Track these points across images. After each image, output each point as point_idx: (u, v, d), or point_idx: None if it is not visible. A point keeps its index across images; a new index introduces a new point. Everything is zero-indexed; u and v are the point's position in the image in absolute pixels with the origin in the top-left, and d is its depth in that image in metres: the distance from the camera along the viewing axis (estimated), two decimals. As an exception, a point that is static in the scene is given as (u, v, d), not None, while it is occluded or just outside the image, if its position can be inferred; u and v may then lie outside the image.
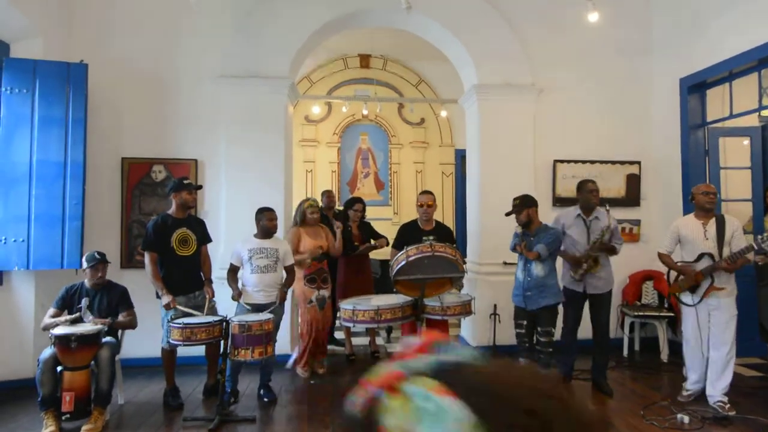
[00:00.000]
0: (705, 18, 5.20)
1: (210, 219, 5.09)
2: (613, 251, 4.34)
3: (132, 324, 4.08)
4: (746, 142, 5.59)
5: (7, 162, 4.55)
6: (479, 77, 5.71)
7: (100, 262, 3.94)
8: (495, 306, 5.39)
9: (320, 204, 5.46)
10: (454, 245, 4.26)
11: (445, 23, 5.67)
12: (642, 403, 4.08)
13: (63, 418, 3.47)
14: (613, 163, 5.87)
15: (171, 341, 3.80)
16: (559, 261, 4.36)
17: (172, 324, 3.75)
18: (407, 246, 3.96)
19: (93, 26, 5.29)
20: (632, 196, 5.90)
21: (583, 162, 5.83)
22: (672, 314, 5.24)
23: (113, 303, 3.99)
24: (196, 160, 5.38)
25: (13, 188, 4.54)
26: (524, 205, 3.93)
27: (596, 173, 5.61)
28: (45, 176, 4.61)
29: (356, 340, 5.73)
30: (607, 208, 4.30)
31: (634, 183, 5.91)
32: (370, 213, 6.22)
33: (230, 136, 5.39)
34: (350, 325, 4.09)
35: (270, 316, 3.92)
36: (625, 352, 5.52)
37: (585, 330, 4.52)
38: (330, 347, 5.45)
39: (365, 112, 8.54)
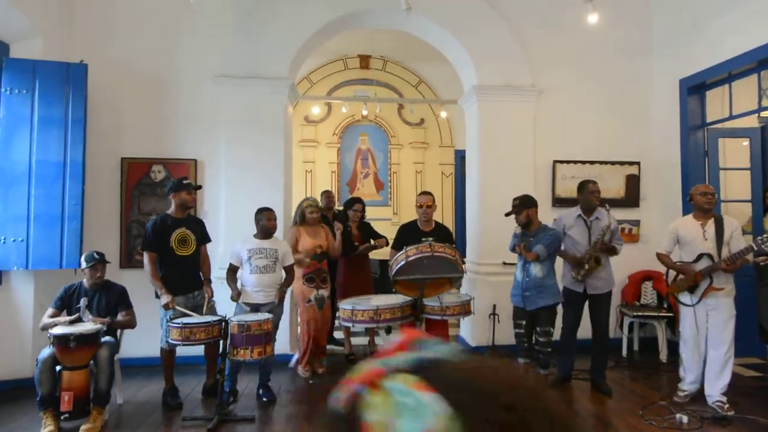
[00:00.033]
0: (705, 18, 5.21)
1: (209, 219, 5.09)
2: (613, 252, 4.35)
3: (131, 324, 4.08)
4: (746, 143, 5.60)
5: (7, 162, 4.55)
6: (479, 78, 5.71)
7: (99, 261, 3.93)
8: (494, 306, 5.39)
9: (320, 204, 5.46)
10: (453, 245, 4.26)
11: (445, 24, 5.68)
12: (641, 403, 4.08)
13: (62, 417, 3.47)
14: (613, 163, 5.87)
15: (170, 341, 3.80)
16: (559, 261, 4.37)
17: (171, 324, 3.75)
18: (407, 246, 3.96)
19: (93, 26, 5.29)
20: (632, 196, 5.91)
21: (583, 162, 5.83)
22: (671, 314, 5.24)
23: (112, 303, 3.99)
24: (195, 160, 5.38)
25: (12, 188, 4.55)
26: (524, 205, 3.94)
27: (596, 174, 5.61)
28: (44, 176, 4.61)
29: (355, 340, 5.73)
30: (607, 208, 4.31)
31: (633, 183, 5.91)
32: (370, 213, 6.22)
33: (230, 136, 5.39)
34: (349, 325, 4.10)
35: (269, 315, 3.92)
36: (624, 352, 5.52)
37: (584, 330, 4.53)
38: (329, 347, 5.45)
39: (365, 113, 8.54)
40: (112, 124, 5.25)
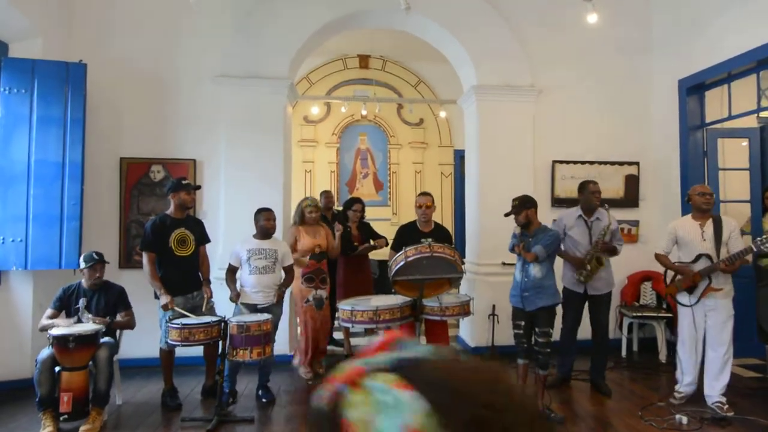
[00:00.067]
0: (705, 17, 5.21)
1: (209, 219, 5.08)
2: (614, 252, 4.35)
3: (130, 324, 4.08)
4: (745, 143, 5.59)
5: (6, 162, 4.54)
6: (478, 77, 5.71)
7: (97, 262, 3.93)
8: (494, 306, 5.39)
9: (319, 204, 5.46)
10: (453, 246, 4.26)
11: (444, 23, 5.67)
12: (640, 404, 4.08)
13: (61, 418, 3.47)
14: (612, 163, 5.87)
15: (169, 341, 3.80)
16: (559, 262, 4.36)
17: (170, 324, 3.74)
18: (406, 247, 3.95)
19: (93, 26, 5.28)
20: (631, 196, 5.91)
21: (582, 163, 5.83)
22: (670, 315, 5.24)
23: (111, 303, 3.99)
24: (194, 160, 5.38)
25: (11, 188, 4.54)
26: (523, 205, 3.93)
27: (595, 174, 5.61)
28: (43, 176, 4.60)
29: (355, 341, 5.73)
30: (606, 207, 4.31)
31: (632, 184, 5.91)
32: (369, 213, 6.22)
33: (229, 136, 5.39)
34: (349, 325, 4.09)
35: (268, 316, 3.92)
36: (624, 353, 5.52)
37: (584, 330, 4.53)
38: (329, 347, 5.45)
39: (364, 113, 8.54)
40: (111, 124, 5.25)
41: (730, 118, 5.21)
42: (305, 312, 4.69)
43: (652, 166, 5.92)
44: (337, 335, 5.87)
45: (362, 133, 9.04)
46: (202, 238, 4.40)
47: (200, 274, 4.36)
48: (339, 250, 5.03)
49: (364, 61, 8.89)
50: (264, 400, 4.22)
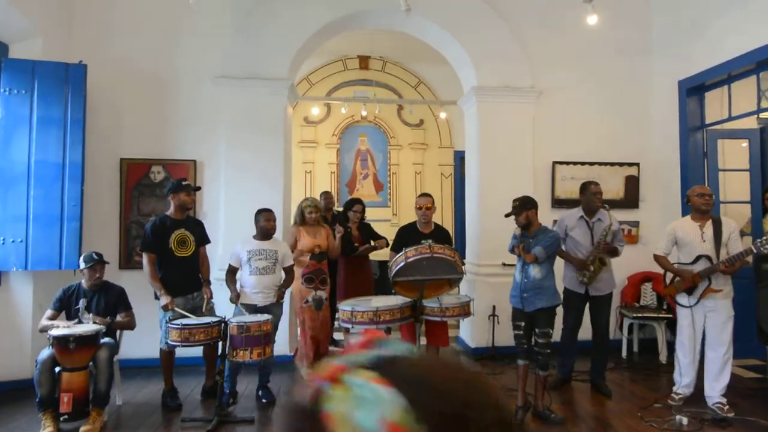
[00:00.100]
0: (704, 19, 5.22)
1: (209, 220, 5.08)
2: (615, 253, 4.35)
3: (130, 325, 4.08)
4: (745, 144, 5.60)
5: (6, 162, 4.54)
6: (478, 79, 5.72)
7: (97, 262, 3.93)
8: (494, 307, 5.40)
9: (319, 204, 5.45)
10: (453, 247, 4.25)
11: (444, 24, 5.68)
12: (641, 405, 4.08)
13: (61, 418, 3.46)
14: (612, 164, 5.87)
15: (169, 342, 3.80)
16: (559, 263, 4.36)
17: (170, 325, 3.74)
18: (406, 248, 3.95)
19: (93, 26, 5.28)
20: (631, 197, 5.91)
21: (582, 164, 5.83)
22: (671, 315, 5.24)
23: (111, 304, 3.98)
24: (195, 161, 5.38)
25: (11, 189, 4.54)
26: (524, 206, 3.93)
27: (595, 175, 5.60)
28: (43, 177, 4.60)
29: (355, 342, 5.72)
30: (607, 208, 4.32)
31: (633, 185, 5.91)
32: (369, 214, 6.21)
33: (229, 136, 5.39)
34: (349, 326, 4.08)
35: (268, 317, 3.92)
36: (624, 354, 5.52)
37: (584, 331, 4.53)
38: (329, 348, 5.43)
39: (364, 114, 8.54)
40: (111, 124, 5.25)
41: (730, 119, 5.21)
42: (303, 313, 4.68)
43: (652, 167, 5.93)
44: (337, 335, 5.86)
45: (362, 134, 9.04)
46: (202, 238, 4.40)
47: (200, 274, 4.36)
48: (339, 250, 5.02)
49: (364, 62, 8.89)
50: (264, 400, 4.22)
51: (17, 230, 4.51)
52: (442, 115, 8.89)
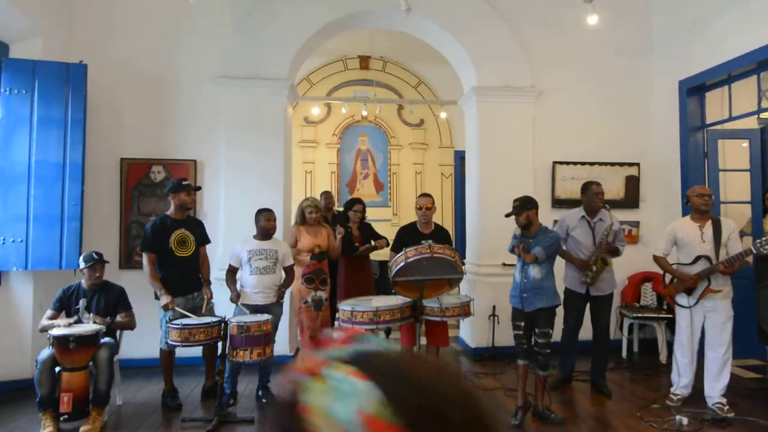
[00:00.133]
0: (705, 19, 5.21)
1: (209, 220, 5.09)
2: (616, 253, 4.35)
3: (130, 325, 4.08)
4: (745, 144, 5.60)
5: (6, 162, 4.54)
6: (478, 79, 5.71)
7: (97, 262, 3.93)
8: (494, 307, 5.40)
9: (320, 204, 5.45)
10: (453, 247, 4.25)
11: (444, 24, 5.68)
12: (641, 405, 4.08)
13: (61, 418, 3.47)
14: (613, 164, 5.87)
15: (169, 342, 3.80)
16: (559, 263, 4.36)
17: (170, 325, 3.74)
18: (406, 248, 3.95)
19: (93, 26, 5.28)
20: (631, 197, 5.91)
21: (583, 164, 5.83)
22: (671, 316, 5.23)
23: (111, 303, 3.98)
24: (195, 161, 5.38)
25: (12, 188, 4.54)
26: (524, 206, 3.93)
27: (595, 175, 5.60)
28: (44, 177, 4.60)
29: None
30: (607, 208, 4.32)
31: (633, 185, 5.91)
32: (370, 214, 6.21)
33: (229, 136, 5.39)
34: (349, 326, 4.08)
35: (268, 317, 3.92)
36: (624, 354, 5.52)
37: (584, 331, 4.53)
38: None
39: (365, 114, 8.53)
40: (111, 124, 5.25)
41: (731, 119, 5.21)
42: (302, 313, 4.68)
43: (652, 167, 5.92)
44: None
45: (363, 134, 9.04)
46: (203, 238, 4.40)
47: (200, 274, 4.36)
48: (340, 250, 5.02)
49: (364, 62, 8.89)
50: (264, 400, 4.21)
51: (17, 230, 4.51)
52: (443, 115, 8.89)
